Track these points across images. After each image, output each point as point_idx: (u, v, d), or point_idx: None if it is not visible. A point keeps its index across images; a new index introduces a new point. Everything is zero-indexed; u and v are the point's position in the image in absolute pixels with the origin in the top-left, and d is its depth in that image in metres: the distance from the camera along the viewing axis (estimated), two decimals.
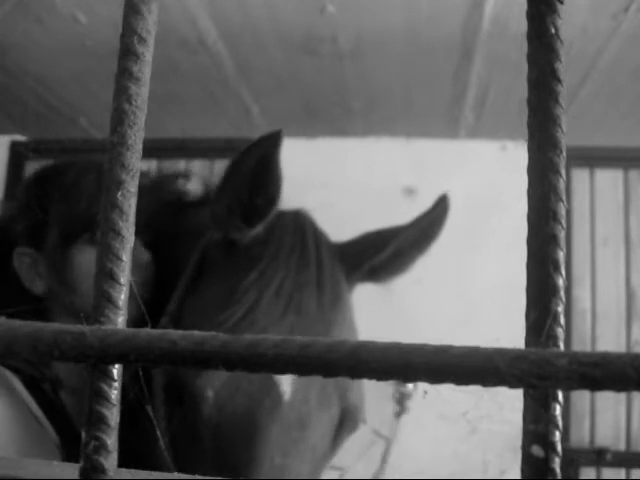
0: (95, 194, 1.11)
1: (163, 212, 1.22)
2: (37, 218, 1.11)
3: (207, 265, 1.10)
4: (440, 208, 1.19)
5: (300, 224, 1.11)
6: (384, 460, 2.48)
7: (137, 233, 0.28)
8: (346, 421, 1.01)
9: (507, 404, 2.48)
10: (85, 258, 1.09)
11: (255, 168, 0.97)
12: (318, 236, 1.12)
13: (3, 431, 0.96)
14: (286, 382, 0.93)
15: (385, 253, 1.15)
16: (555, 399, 0.24)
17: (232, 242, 1.07)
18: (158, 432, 0.86)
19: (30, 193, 1.17)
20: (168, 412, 0.96)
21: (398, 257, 1.19)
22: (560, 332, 0.25)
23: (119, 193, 0.27)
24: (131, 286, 0.29)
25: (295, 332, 0.98)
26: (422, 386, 2.53)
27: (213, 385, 0.92)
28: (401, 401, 2.55)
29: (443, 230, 1.20)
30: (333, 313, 1.03)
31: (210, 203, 1.09)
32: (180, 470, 0.95)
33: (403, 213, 1.34)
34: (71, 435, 1.01)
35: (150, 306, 1.10)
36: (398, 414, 2.54)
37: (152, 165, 2.45)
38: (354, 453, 2.29)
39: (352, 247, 1.17)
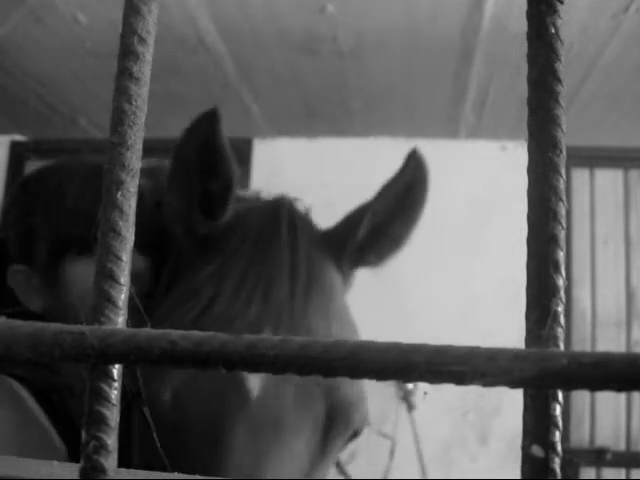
0: (77, 206, 1.03)
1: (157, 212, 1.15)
2: (24, 233, 1.05)
3: (182, 261, 1.03)
4: (412, 166, 1.06)
5: (274, 209, 1.02)
6: (391, 459, 2.49)
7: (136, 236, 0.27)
8: (337, 420, 0.91)
9: (507, 404, 2.48)
10: (77, 272, 1.02)
11: (198, 154, 0.89)
12: (294, 221, 1.01)
13: (12, 442, 0.93)
14: (254, 379, 0.86)
15: (363, 229, 1.04)
16: (555, 399, 0.24)
17: (202, 235, 1.00)
18: (155, 435, 0.83)
19: (17, 204, 1.11)
20: (139, 418, 0.89)
21: (382, 233, 1.07)
22: (560, 332, 0.25)
23: (119, 193, 0.27)
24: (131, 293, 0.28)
25: (263, 321, 0.90)
26: (422, 386, 2.53)
27: (170, 387, 0.85)
28: (407, 398, 2.55)
29: (425, 192, 1.06)
30: (308, 300, 0.95)
31: (164, 199, 1.00)
32: None
33: None
34: (79, 444, 0.98)
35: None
36: (409, 409, 2.54)
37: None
38: (362, 455, 2.29)
39: (335, 230, 1.07)
